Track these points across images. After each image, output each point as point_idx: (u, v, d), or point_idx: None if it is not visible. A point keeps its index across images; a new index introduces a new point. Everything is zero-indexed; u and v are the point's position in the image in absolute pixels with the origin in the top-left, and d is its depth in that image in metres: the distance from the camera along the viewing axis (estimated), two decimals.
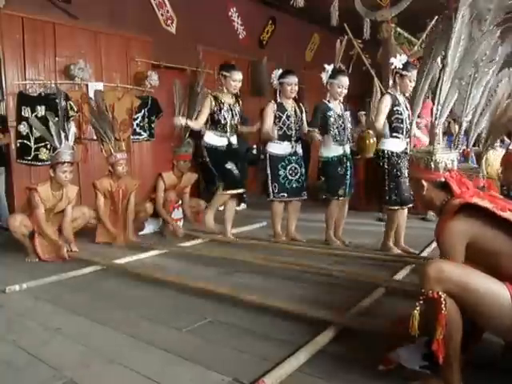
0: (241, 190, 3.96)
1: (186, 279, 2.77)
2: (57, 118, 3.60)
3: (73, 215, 3.76)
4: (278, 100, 3.85)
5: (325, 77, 3.77)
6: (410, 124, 3.24)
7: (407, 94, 3.42)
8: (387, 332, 1.78)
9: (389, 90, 3.52)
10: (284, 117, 3.80)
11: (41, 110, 4.77)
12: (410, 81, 3.31)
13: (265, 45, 7.96)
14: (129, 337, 2.03)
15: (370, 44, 5.99)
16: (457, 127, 2.16)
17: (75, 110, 5.08)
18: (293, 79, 3.81)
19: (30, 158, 4.84)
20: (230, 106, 3.81)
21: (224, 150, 3.86)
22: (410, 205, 3.42)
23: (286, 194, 3.85)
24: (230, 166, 3.81)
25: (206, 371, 1.69)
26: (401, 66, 3.38)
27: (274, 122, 3.79)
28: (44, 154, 4.84)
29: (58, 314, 2.38)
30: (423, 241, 3.60)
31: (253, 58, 7.35)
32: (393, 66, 3.44)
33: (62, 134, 3.55)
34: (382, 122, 3.36)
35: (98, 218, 4.09)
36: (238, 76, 3.79)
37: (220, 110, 3.75)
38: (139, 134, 5.76)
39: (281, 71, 3.87)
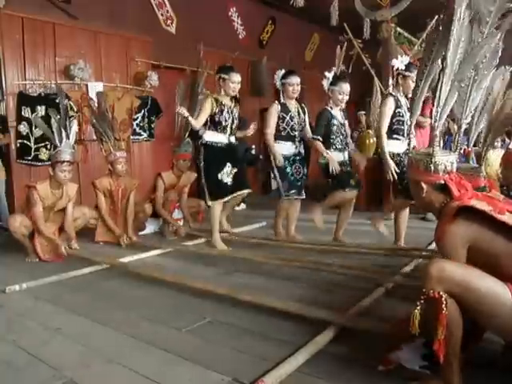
0: (227, 198, 3.81)
1: (185, 279, 2.77)
2: (58, 117, 3.60)
3: (73, 215, 3.77)
4: (282, 101, 3.84)
5: (326, 83, 3.77)
6: (410, 125, 3.24)
7: (410, 95, 3.42)
8: (387, 333, 1.78)
9: (391, 92, 3.51)
10: (288, 118, 3.80)
11: (41, 110, 4.77)
12: (413, 81, 3.32)
13: (265, 45, 7.96)
14: (129, 337, 2.04)
15: (369, 44, 6.00)
16: (456, 127, 2.16)
17: (75, 110, 5.08)
18: (294, 80, 3.80)
19: (30, 158, 4.84)
20: (230, 108, 3.78)
21: (223, 148, 3.77)
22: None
23: (295, 191, 3.85)
24: (221, 174, 3.70)
25: (206, 371, 1.69)
26: (403, 67, 3.38)
27: (278, 122, 3.78)
28: (44, 154, 4.84)
29: (58, 313, 2.38)
30: (423, 241, 3.60)
31: (253, 58, 7.35)
32: (395, 68, 3.44)
33: (63, 133, 3.55)
34: (386, 126, 3.37)
35: (100, 218, 4.09)
36: (236, 78, 3.74)
37: (221, 112, 3.70)
38: (139, 134, 5.77)
39: (283, 72, 3.87)
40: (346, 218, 3.89)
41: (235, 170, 3.79)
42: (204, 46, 6.22)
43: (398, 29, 6.10)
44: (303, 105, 4.01)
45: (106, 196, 4.14)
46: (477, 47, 1.73)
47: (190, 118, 3.65)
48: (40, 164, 4.86)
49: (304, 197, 3.97)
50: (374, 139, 5.86)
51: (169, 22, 6.28)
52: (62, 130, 3.55)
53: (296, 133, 3.85)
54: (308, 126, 3.96)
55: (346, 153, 3.81)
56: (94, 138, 4.58)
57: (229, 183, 3.74)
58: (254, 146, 6.54)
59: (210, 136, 3.75)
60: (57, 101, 4.77)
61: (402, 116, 3.38)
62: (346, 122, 3.87)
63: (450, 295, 1.34)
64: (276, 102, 3.85)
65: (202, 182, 3.81)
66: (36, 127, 4.75)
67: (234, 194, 3.82)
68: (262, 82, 7.35)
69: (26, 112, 4.78)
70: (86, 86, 5.22)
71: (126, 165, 4.23)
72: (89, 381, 1.68)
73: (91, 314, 2.32)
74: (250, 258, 3.28)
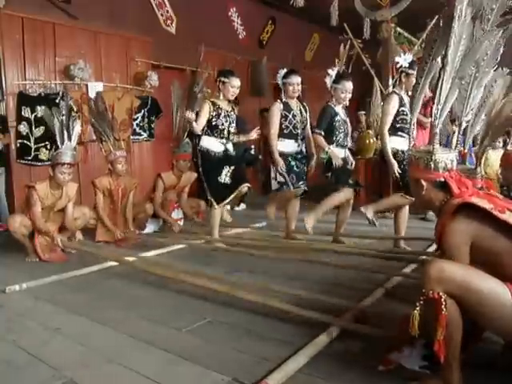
0: (231, 197, 3.82)
1: (185, 279, 2.76)
2: (61, 118, 3.58)
3: (74, 215, 3.77)
4: (284, 99, 3.84)
5: (328, 81, 3.77)
6: (411, 123, 3.24)
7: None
8: (387, 334, 1.78)
9: (394, 90, 3.49)
10: (290, 116, 3.80)
11: (41, 110, 4.77)
12: None
13: (265, 45, 7.96)
14: (129, 337, 2.03)
15: (369, 44, 5.99)
16: (454, 128, 2.16)
17: (75, 110, 5.08)
18: (295, 79, 3.79)
19: (30, 158, 4.84)
20: (227, 112, 3.77)
21: (220, 157, 3.77)
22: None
23: (303, 182, 3.85)
24: (222, 178, 3.72)
25: (206, 371, 1.69)
26: (406, 65, 3.38)
27: (281, 121, 3.78)
28: (44, 154, 4.84)
29: (57, 313, 2.38)
30: (423, 241, 3.60)
31: (253, 58, 7.35)
32: (398, 65, 3.44)
33: (65, 134, 3.54)
34: (389, 124, 3.36)
35: (97, 217, 4.10)
36: (236, 82, 3.73)
37: (218, 116, 3.70)
38: (139, 134, 5.77)
39: (285, 71, 3.87)
40: (345, 218, 3.89)
41: (232, 168, 3.80)
42: (204, 46, 6.21)
43: (398, 29, 6.10)
44: (305, 104, 4.00)
45: (105, 195, 4.15)
46: (477, 44, 1.73)
47: (194, 124, 3.65)
48: (40, 164, 4.86)
49: (306, 189, 3.97)
50: (374, 139, 5.85)
51: (169, 22, 6.28)
52: (65, 132, 3.55)
53: (298, 131, 3.85)
54: (309, 126, 3.96)
55: (347, 150, 3.81)
56: (94, 137, 4.58)
57: (228, 182, 3.76)
58: (253, 146, 6.54)
59: (207, 142, 3.75)
60: (57, 101, 4.81)
61: (406, 114, 3.38)
62: (348, 120, 3.87)
63: (450, 296, 1.34)
64: (278, 100, 3.85)
65: (204, 187, 3.82)
66: (36, 127, 4.75)
67: (235, 193, 3.84)
68: (262, 82, 7.35)
69: (26, 112, 4.78)
70: (86, 86, 5.22)
71: (126, 164, 4.24)
72: (89, 381, 1.68)
73: (91, 314, 2.32)
74: (249, 258, 3.28)
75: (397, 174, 3.34)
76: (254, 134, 4.00)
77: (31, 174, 4.87)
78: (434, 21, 5.12)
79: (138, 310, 2.39)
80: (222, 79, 3.72)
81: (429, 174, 1.65)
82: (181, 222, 4.68)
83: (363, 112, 6.74)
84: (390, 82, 5.97)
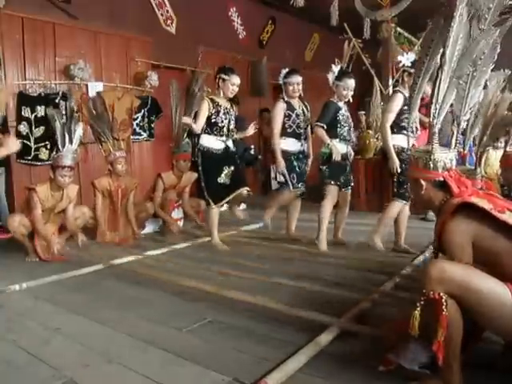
0: (229, 198, 3.80)
1: (185, 279, 2.77)
2: (63, 120, 3.57)
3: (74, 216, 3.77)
4: (285, 99, 3.83)
5: (331, 78, 3.76)
6: (409, 122, 3.24)
7: None
8: (383, 336, 1.77)
9: (398, 89, 3.47)
10: (294, 115, 3.79)
11: (41, 110, 4.77)
12: None
13: (265, 45, 7.95)
14: (128, 337, 2.04)
15: (369, 44, 5.99)
16: (453, 128, 2.16)
17: (75, 110, 5.07)
18: (295, 79, 3.78)
19: (29, 157, 4.83)
20: (226, 109, 3.76)
21: (220, 155, 3.76)
22: None
23: (303, 183, 3.86)
24: (221, 178, 3.72)
25: (206, 371, 1.69)
26: (409, 64, 3.38)
27: (284, 120, 3.77)
28: (44, 153, 4.83)
29: (57, 313, 2.38)
30: (423, 241, 3.60)
31: (253, 58, 7.35)
32: (401, 64, 3.43)
33: (67, 137, 3.53)
34: (391, 121, 3.34)
35: (94, 218, 4.09)
36: (236, 80, 3.72)
37: (217, 113, 3.68)
38: (139, 134, 5.76)
39: (286, 70, 3.86)
40: (343, 218, 3.89)
41: (232, 169, 3.79)
42: (204, 46, 6.22)
43: (398, 29, 6.09)
44: (306, 103, 4.00)
45: (105, 196, 4.14)
46: (474, 43, 1.73)
47: (193, 126, 3.65)
48: (40, 164, 4.85)
49: (304, 192, 3.96)
50: (374, 139, 5.85)
51: (169, 22, 6.27)
52: (66, 134, 3.54)
53: (301, 130, 3.84)
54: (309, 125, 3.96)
55: (350, 146, 3.81)
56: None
57: (227, 183, 3.76)
58: (253, 146, 6.53)
59: (207, 141, 3.74)
60: (57, 101, 4.81)
61: (410, 113, 3.37)
62: (349, 115, 3.84)
63: (450, 296, 1.34)
64: (281, 100, 3.84)
65: (202, 186, 3.82)
66: (36, 127, 4.75)
67: (234, 194, 3.83)
68: (262, 82, 7.34)
69: (26, 112, 4.77)
70: (86, 86, 5.22)
71: (126, 165, 4.24)
72: (89, 380, 1.68)
73: (91, 314, 2.32)
74: (249, 258, 3.28)
75: (398, 170, 3.32)
76: (251, 130, 3.99)
77: (31, 173, 4.86)
78: (431, 20, 5.13)
79: (137, 309, 2.39)
80: (223, 76, 3.70)
81: (428, 173, 1.65)
82: (181, 222, 4.68)
83: (363, 112, 6.74)
84: (390, 81, 5.98)
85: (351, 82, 3.67)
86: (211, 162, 3.75)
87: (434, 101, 1.75)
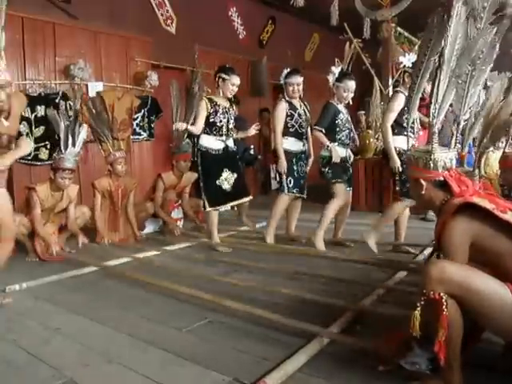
0: (227, 206, 3.80)
1: (184, 280, 2.77)
2: (67, 123, 3.55)
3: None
4: (287, 98, 3.82)
5: (331, 79, 3.75)
6: (408, 123, 3.24)
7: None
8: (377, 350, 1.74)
9: (400, 89, 3.47)
10: (296, 115, 3.79)
11: (40, 110, 4.76)
12: None
13: (265, 45, 7.95)
14: (128, 336, 2.04)
15: (370, 44, 5.99)
16: (453, 128, 2.16)
17: (79, 112, 5.07)
18: (295, 79, 3.77)
19: (29, 157, 4.83)
20: (225, 108, 3.74)
21: (221, 155, 3.74)
22: None
23: (298, 189, 3.84)
24: (220, 181, 3.70)
25: (206, 371, 1.69)
26: (410, 65, 3.37)
27: (286, 119, 3.76)
28: (44, 153, 4.83)
29: (57, 313, 2.38)
30: (423, 241, 3.60)
31: (253, 58, 7.35)
32: (402, 65, 3.42)
33: (70, 140, 3.51)
34: (391, 121, 3.33)
35: (93, 218, 4.09)
36: (237, 80, 3.69)
37: (216, 113, 3.66)
38: (139, 134, 5.76)
39: (288, 70, 3.85)
40: (344, 219, 3.88)
41: (235, 177, 3.77)
42: (204, 46, 6.22)
43: (399, 29, 6.10)
44: (306, 103, 4.00)
45: (105, 196, 4.14)
46: (472, 42, 1.73)
47: (189, 128, 3.63)
48: (40, 164, 4.85)
49: (305, 196, 3.96)
50: (374, 139, 5.85)
51: (169, 21, 6.27)
52: (70, 137, 3.52)
53: (303, 130, 3.84)
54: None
55: (349, 150, 3.81)
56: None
57: (228, 190, 3.73)
58: (252, 146, 6.53)
59: (206, 141, 3.73)
60: (56, 101, 4.80)
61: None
62: (349, 118, 3.84)
63: (451, 296, 1.34)
64: (283, 99, 3.83)
65: (201, 186, 3.80)
66: (36, 127, 4.74)
67: (234, 203, 3.82)
68: (262, 82, 7.34)
69: (26, 112, 4.77)
70: (86, 85, 5.22)
71: (126, 165, 4.24)
72: (88, 380, 1.68)
73: (91, 314, 2.32)
74: (249, 258, 3.28)
75: (400, 169, 3.31)
76: (252, 131, 3.98)
77: (31, 173, 4.86)
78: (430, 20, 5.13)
79: (137, 309, 2.39)
80: (223, 76, 3.67)
81: (428, 173, 1.65)
82: (181, 222, 4.68)
83: (363, 112, 6.74)
84: (390, 81, 5.98)
85: (351, 84, 3.65)
86: (211, 163, 3.73)
87: (433, 100, 1.75)
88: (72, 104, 4.99)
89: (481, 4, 1.74)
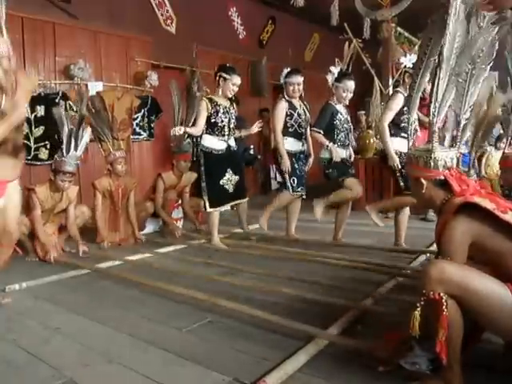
0: (227, 206, 3.83)
1: (184, 280, 2.76)
2: (72, 127, 3.53)
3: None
4: (287, 98, 3.82)
5: (330, 79, 3.75)
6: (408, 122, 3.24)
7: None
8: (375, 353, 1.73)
9: (399, 89, 3.47)
10: (296, 115, 3.79)
11: (40, 110, 4.76)
12: None
13: (265, 45, 7.95)
14: (128, 336, 2.03)
15: (370, 44, 5.99)
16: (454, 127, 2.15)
17: (74, 109, 5.07)
18: (295, 79, 3.76)
19: (29, 157, 4.83)
20: (225, 108, 3.73)
21: (223, 155, 3.74)
22: None
23: (302, 188, 3.84)
24: (223, 181, 3.70)
25: (206, 371, 1.69)
26: (410, 65, 3.37)
27: (286, 119, 3.76)
28: (44, 153, 4.83)
29: (57, 313, 2.38)
30: (423, 241, 3.60)
31: (253, 58, 7.35)
32: (402, 65, 3.42)
33: (73, 143, 3.50)
34: (389, 120, 3.32)
35: (94, 218, 4.08)
36: (237, 80, 3.68)
37: (217, 113, 3.65)
38: (139, 134, 5.76)
39: (288, 70, 3.85)
40: (344, 219, 3.87)
41: (237, 178, 3.79)
42: (204, 46, 6.22)
43: (399, 29, 6.10)
44: (305, 103, 4.00)
45: (105, 196, 4.13)
46: (472, 41, 1.72)
47: (188, 130, 3.63)
48: (39, 163, 4.85)
49: (305, 196, 3.96)
50: (374, 139, 5.85)
51: (169, 21, 6.27)
52: (72, 140, 3.51)
53: (303, 130, 3.84)
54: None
55: (349, 150, 3.80)
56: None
57: (230, 190, 3.75)
58: (252, 146, 6.54)
59: (209, 141, 3.72)
60: (56, 100, 4.80)
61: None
62: (349, 118, 3.85)
63: (451, 296, 1.34)
64: (283, 99, 3.83)
65: (202, 186, 3.79)
66: (36, 127, 4.74)
67: (233, 203, 3.84)
68: (262, 82, 7.35)
69: (26, 112, 4.77)
70: (86, 85, 5.22)
71: (126, 165, 4.23)
72: (89, 380, 1.68)
73: (91, 314, 2.32)
74: (249, 258, 3.28)
75: (399, 166, 3.30)
76: (255, 129, 3.99)
77: (31, 173, 4.85)
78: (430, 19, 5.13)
79: (137, 309, 2.39)
80: (224, 75, 3.66)
81: (428, 172, 1.65)
82: (180, 222, 4.68)
83: (363, 112, 6.75)
84: (390, 81, 5.98)
85: (351, 84, 3.65)
86: (214, 163, 3.72)
87: (433, 99, 1.74)
88: (73, 105, 4.99)
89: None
